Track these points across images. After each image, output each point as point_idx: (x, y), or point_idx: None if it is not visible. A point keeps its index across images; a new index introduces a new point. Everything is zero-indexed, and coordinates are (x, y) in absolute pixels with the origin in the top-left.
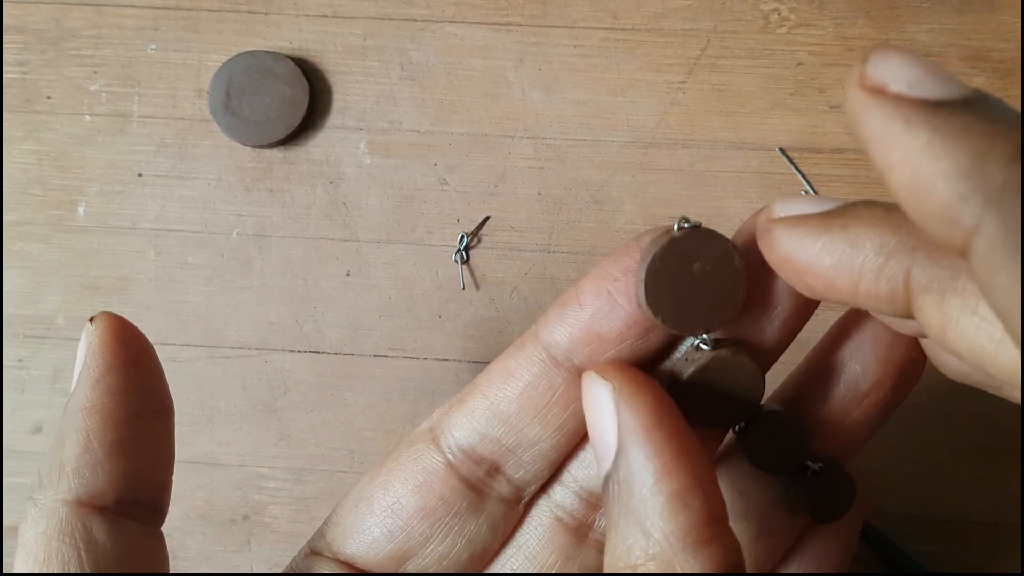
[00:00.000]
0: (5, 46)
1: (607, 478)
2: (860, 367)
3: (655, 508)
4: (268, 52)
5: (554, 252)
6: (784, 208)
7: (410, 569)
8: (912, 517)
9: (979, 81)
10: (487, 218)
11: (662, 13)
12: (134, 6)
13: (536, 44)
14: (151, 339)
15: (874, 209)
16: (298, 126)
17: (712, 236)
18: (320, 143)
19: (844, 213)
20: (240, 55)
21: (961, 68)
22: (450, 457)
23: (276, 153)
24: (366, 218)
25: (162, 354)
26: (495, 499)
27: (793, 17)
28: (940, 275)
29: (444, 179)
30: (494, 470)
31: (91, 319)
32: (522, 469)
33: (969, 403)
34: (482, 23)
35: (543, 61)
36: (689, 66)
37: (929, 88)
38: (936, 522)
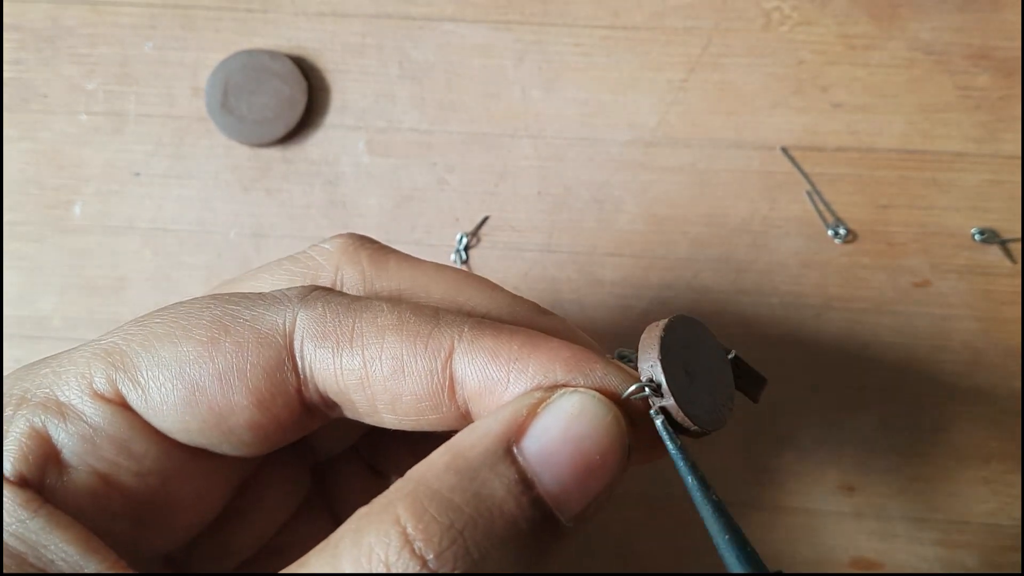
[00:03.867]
0: (2, 44)
1: None
2: None
3: None
4: (266, 50)
5: (554, 252)
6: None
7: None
8: (914, 519)
9: (983, 80)
10: (487, 218)
11: (663, 11)
12: (131, 4)
13: (536, 42)
14: None
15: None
16: (296, 125)
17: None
18: (318, 142)
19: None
20: (238, 53)
21: (964, 67)
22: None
23: (274, 152)
24: (365, 218)
25: None
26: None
27: (795, 15)
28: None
29: (443, 178)
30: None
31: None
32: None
33: (971, 405)
34: (482, 21)
35: (543, 60)
36: (690, 65)
37: None
38: (938, 523)
